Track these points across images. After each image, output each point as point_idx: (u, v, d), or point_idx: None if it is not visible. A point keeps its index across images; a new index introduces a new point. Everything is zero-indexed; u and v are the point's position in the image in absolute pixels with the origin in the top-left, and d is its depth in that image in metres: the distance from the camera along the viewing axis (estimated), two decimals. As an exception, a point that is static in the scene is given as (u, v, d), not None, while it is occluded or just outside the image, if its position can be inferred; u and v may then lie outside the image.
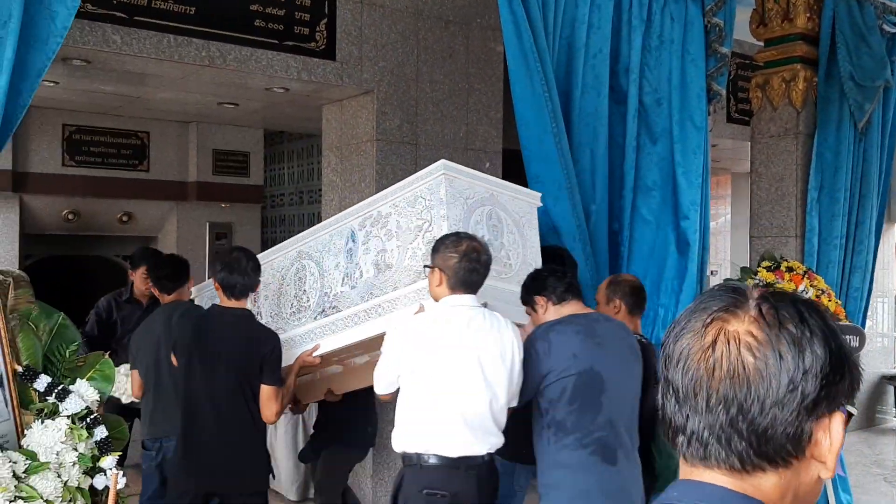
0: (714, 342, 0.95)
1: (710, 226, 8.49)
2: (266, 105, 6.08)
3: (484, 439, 2.82)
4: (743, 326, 0.95)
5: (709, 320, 0.97)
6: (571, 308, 3.05)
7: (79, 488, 2.04)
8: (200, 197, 7.13)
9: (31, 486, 1.87)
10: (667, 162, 4.30)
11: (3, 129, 2.40)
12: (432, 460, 2.79)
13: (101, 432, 2.15)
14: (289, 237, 8.28)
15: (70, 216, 6.82)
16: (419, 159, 5.30)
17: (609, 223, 4.21)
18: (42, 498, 1.88)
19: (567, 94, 4.00)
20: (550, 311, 3.06)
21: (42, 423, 2.06)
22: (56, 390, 2.12)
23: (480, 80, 5.55)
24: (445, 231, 3.01)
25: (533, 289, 3.09)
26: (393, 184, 5.15)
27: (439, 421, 2.79)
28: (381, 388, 2.96)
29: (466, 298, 2.83)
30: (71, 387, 2.19)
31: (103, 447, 2.15)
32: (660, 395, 1.01)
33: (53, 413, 2.12)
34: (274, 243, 8.35)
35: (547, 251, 3.56)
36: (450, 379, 2.78)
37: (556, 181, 3.91)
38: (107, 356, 2.38)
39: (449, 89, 5.42)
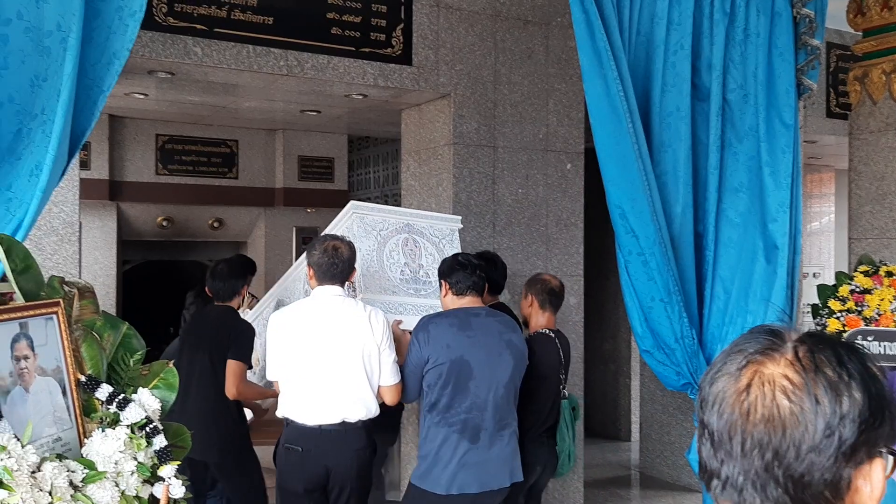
0: (749, 385, 0.94)
1: (813, 226, 8.08)
2: (348, 111, 6.14)
3: (340, 409, 3.31)
4: (779, 369, 0.93)
5: (744, 363, 0.95)
6: (468, 301, 3.49)
7: (137, 497, 2.07)
8: (287, 202, 7.27)
9: (86, 496, 1.90)
10: (754, 161, 4.09)
11: (73, 141, 2.47)
12: (295, 423, 3.35)
13: (159, 441, 2.17)
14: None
15: (164, 223, 7.07)
16: (497, 162, 5.24)
17: (694, 225, 4.03)
18: (97, 507, 1.91)
19: (646, 93, 3.86)
20: (449, 298, 3.51)
21: (103, 432, 2.10)
22: (117, 399, 2.16)
23: (561, 80, 5.45)
24: (358, 262, 3.55)
25: (443, 273, 3.53)
26: (470, 187, 5.14)
27: (302, 393, 3.32)
28: (271, 375, 3.46)
29: (331, 289, 3.35)
30: (133, 396, 2.23)
31: (163, 456, 2.18)
32: (696, 438, 1.02)
33: (115, 422, 2.16)
34: (360, 247, 8.47)
35: (481, 255, 4.11)
36: (311, 358, 3.30)
37: (632, 182, 3.77)
38: (171, 365, 2.41)
39: (528, 90, 5.34)
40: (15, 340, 1.98)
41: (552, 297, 3.94)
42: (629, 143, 3.75)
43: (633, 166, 3.78)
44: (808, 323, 4.54)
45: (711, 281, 4.12)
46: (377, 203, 8.20)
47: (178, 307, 6.26)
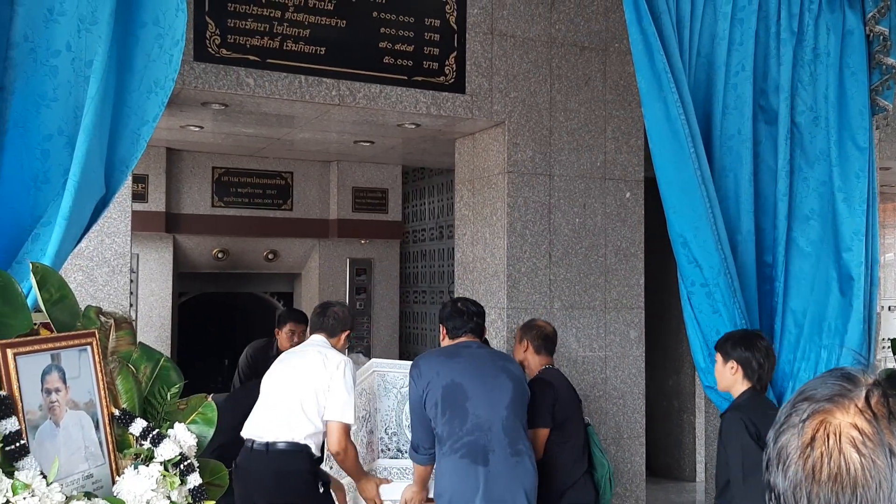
0: (813, 439, 0.81)
1: (888, 257, 7.69)
2: (401, 141, 6.08)
3: (268, 429, 3.59)
4: (847, 419, 0.80)
5: (808, 413, 0.83)
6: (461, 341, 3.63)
7: (169, 539, 1.97)
8: (341, 234, 7.23)
9: (113, 538, 1.81)
10: (826, 187, 3.87)
11: (113, 170, 2.43)
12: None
13: (194, 479, 2.07)
14: (429, 272, 8.26)
15: (220, 255, 7.09)
16: (553, 191, 5.10)
17: (757, 255, 3.83)
18: (123, 550, 1.81)
19: (707, 116, 3.70)
20: (446, 342, 3.66)
21: (135, 469, 2.01)
22: (151, 435, 2.07)
23: (619, 106, 5.30)
24: (378, 423, 3.79)
25: (443, 318, 3.70)
26: (525, 217, 5.01)
27: (253, 415, 3.72)
28: None
29: (314, 338, 3.82)
30: (169, 431, 2.14)
31: (197, 495, 2.07)
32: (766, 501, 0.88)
33: (150, 458, 2.07)
34: (415, 278, 8.38)
35: None
36: (268, 384, 3.74)
37: (695, 210, 3.60)
38: (209, 399, 2.32)
39: (585, 118, 5.21)
40: (46, 372, 1.91)
41: (546, 342, 3.95)
42: (691, 169, 3.58)
43: (696, 193, 3.61)
44: (888, 360, 4.26)
45: (781, 314, 3.90)
46: (433, 235, 8.12)
47: (234, 339, 6.25)
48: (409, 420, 3.61)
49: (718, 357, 3.39)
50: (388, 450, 3.83)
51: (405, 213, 8.24)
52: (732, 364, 3.29)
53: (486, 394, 3.46)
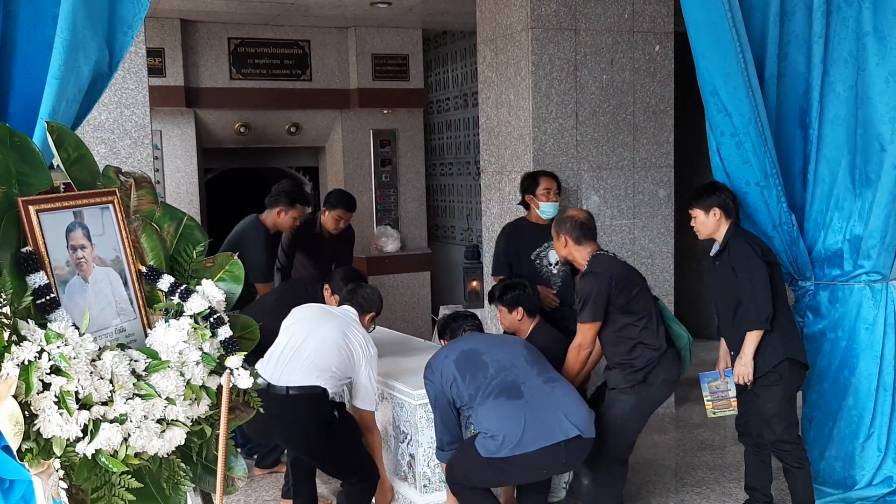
0: None
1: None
2: (420, 1, 5.86)
3: (297, 379, 3.53)
4: None
5: None
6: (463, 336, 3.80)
7: (203, 387, 2.02)
8: (362, 104, 7.10)
9: (149, 385, 1.86)
10: (862, 26, 3.69)
11: (117, 28, 2.36)
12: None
13: (224, 332, 2.11)
14: (455, 142, 8.14)
15: (242, 129, 7.03)
16: (580, 46, 4.93)
17: (790, 100, 3.72)
18: (160, 396, 1.86)
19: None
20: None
21: (166, 322, 2.04)
22: (179, 290, 2.09)
23: (646, -47, 5.04)
24: (420, 456, 3.76)
25: (440, 332, 3.95)
26: (551, 75, 4.86)
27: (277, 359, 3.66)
28: None
29: (346, 310, 3.82)
30: (197, 287, 2.16)
31: (229, 347, 2.11)
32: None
33: (179, 313, 2.10)
34: (440, 150, 8.28)
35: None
36: (296, 337, 3.68)
37: (725, 56, 3.46)
38: (235, 257, 2.33)
39: (610, -34, 4.97)
40: (70, 230, 1.91)
41: (584, 229, 3.72)
42: (721, 10, 3.42)
43: (727, 37, 3.46)
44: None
45: (815, 162, 3.81)
46: (457, 104, 7.96)
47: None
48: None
49: (698, 212, 3.68)
50: (431, 482, 3.79)
51: (428, 83, 8.06)
52: (714, 211, 3.63)
53: (498, 344, 3.62)
